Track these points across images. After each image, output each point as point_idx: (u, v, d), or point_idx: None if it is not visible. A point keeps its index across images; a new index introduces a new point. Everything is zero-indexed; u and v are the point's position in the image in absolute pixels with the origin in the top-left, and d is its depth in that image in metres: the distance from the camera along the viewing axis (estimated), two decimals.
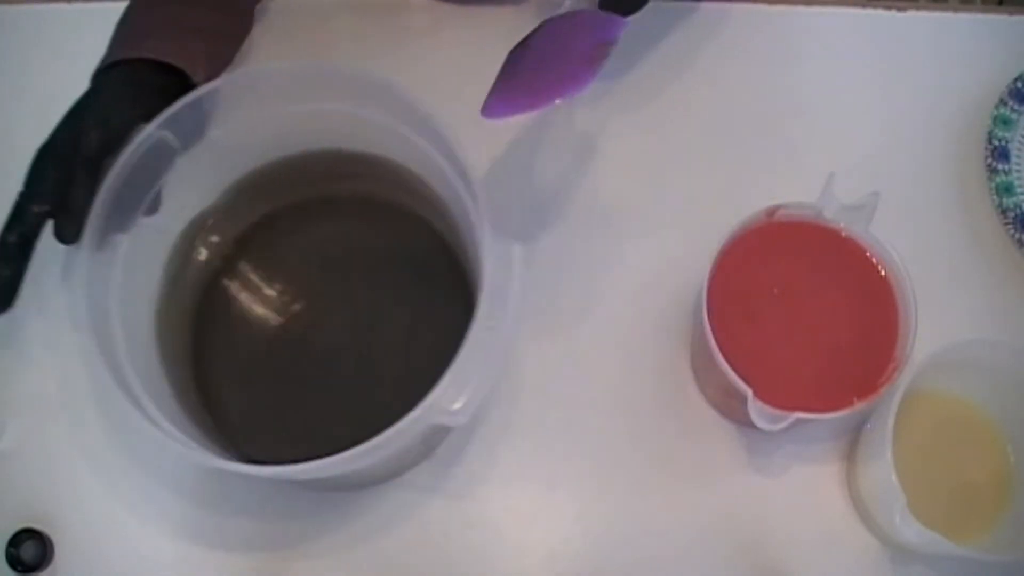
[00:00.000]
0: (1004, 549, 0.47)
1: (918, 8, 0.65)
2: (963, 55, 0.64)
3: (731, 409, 0.53)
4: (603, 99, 0.62)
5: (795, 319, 0.50)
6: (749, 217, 0.50)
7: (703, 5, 0.65)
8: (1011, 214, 0.58)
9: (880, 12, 0.65)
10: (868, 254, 0.51)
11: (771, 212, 0.50)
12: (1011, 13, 0.65)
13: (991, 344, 0.49)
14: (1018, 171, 0.60)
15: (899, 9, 0.65)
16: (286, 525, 0.51)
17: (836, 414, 0.46)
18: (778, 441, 0.53)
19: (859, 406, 0.47)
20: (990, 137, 0.60)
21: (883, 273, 0.50)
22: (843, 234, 0.51)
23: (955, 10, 0.66)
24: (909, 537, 0.46)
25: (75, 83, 0.61)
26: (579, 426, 0.54)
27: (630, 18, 0.49)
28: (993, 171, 0.59)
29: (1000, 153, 0.59)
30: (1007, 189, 0.59)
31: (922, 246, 0.58)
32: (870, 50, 0.64)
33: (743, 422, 0.53)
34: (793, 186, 0.59)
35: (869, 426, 0.51)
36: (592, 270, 0.58)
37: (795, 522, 0.52)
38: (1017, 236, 0.57)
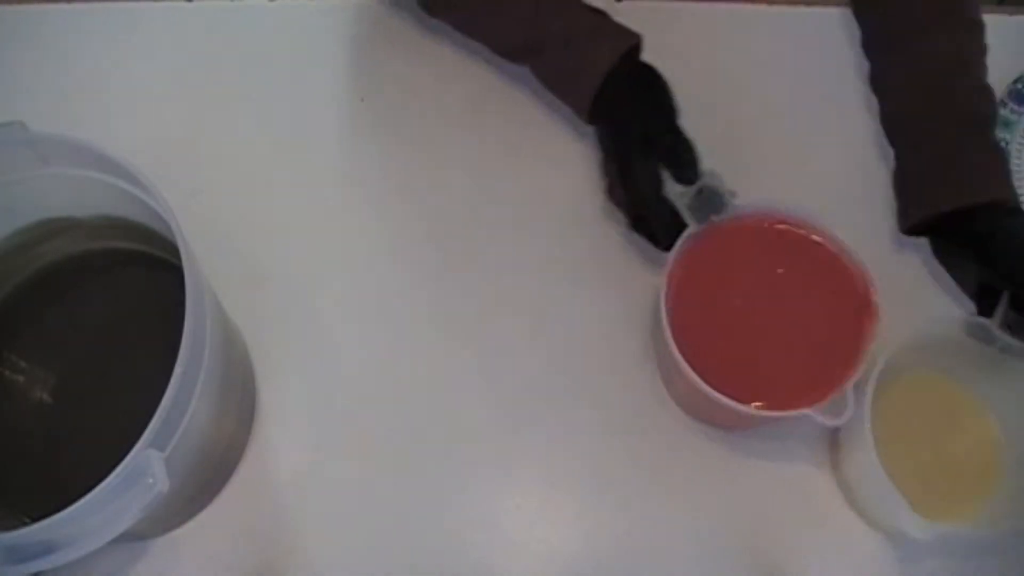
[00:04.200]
0: (997, 523, 0.48)
1: None
2: None
3: (699, 410, 0.54)
4: None
5: (759, 317, 0.50)
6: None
7: (703, 5, 0.65)
8: None
9: None
10: (832, 252, 0.51)
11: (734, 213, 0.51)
12: (1011, 13, 0.65)
13: (965, 323, 0.49)
14: (1018, 172, 0.60)
15: None
16: None
17: (799, 412, 0.47)
18: (762, 437, 0.54)
19: (825, 403, 0.47)
20: None
21: (848, 272, 0.50)
22: (810, 236, 0.51)
23: None
24: (917, 536, 0.46)
25: (75, 83, 0.62)
26: (578, 426, 0.54)
27: None
28: None
29: None
30: None
31: (922, 247, 0.58)
32: None
33: (713, 423, 0.54)
34: (793, 186, 0.60)
35: (848, 425, 0.51)
36: (585, 272, 0.58)
37: (787, 514, 0.53)
38: None
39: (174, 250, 0.41)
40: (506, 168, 0.60)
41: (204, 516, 0.51)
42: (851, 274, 0.50)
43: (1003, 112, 0.60)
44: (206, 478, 0.50)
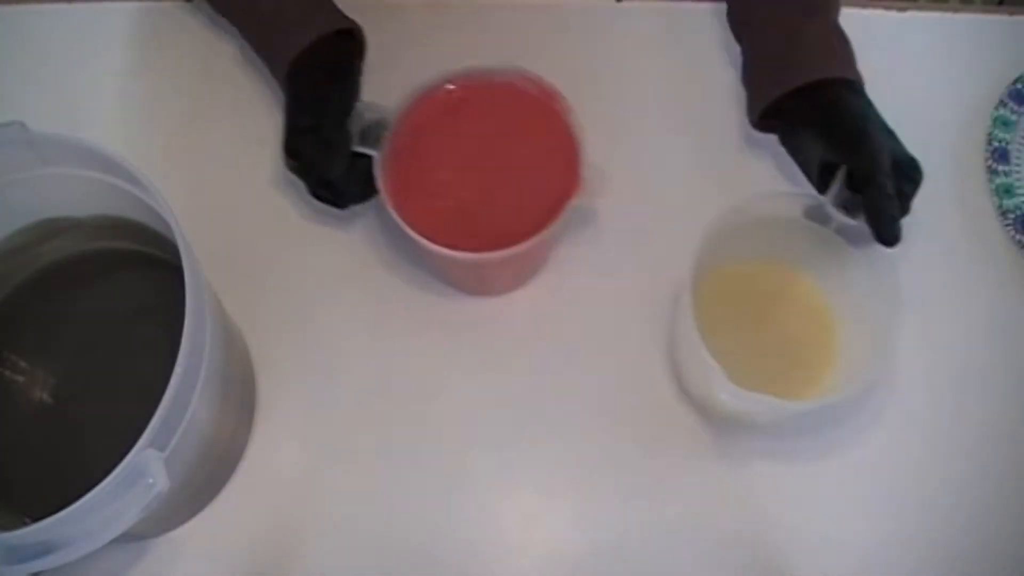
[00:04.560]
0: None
1: (918, 8, 0.65)
2: (963, 55, 0.64)
3: (457, 278, 0.56)
4: (604, 100, 0.62)
5: (484, 174, 0.52)
6: (409, 95, 0.53)
7: (703, 5, 0.65)
8: (1011, 215, 0.58)
9: (880, 12, 0.65)
10: (539, 99, 0.53)
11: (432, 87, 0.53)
12: (1011, 13, 0.65)
13: (802, 205, 0.50)
14: (1018, 172, 0.60)
15: (899, 9, 0.65)
16: None
17: (535, 239, 0.48)
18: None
19: (557, 224, 0.49)
20: (990, 138, 0.60)
21: (553, 108, 0.53)
22: (515, 84, 0.53)
23: (955, 10, 0.66)
24: (734, 405, 0.47)
25: (75, 83, 0.62)
26: (578, 428, 0.54)
27: None
28: (993, 172, 0.59)
29: (1000, 154, 0.59)
30: (1007, 190, 0.59)
31: (922, 247, 0.58)
32: (870, 50, 0.64)
33: (467, 289, 0.56)
34: (792, 185, 0.60)
35: (677, 310, 0.52)
36: (580, 274, 0.58)
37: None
38: (1017, 237, 0.58)
39: (174, 250, 0.41)
40: None
41: (204, 516, 0.51)
42: (547, 104, 0.53)
43: (1003, 112, 0.60)
44: (206, 478, 0.50)
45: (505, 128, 0.53)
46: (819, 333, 0.53)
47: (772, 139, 0.58)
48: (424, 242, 0.49)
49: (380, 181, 0.50)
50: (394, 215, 0.49)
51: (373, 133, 0.51)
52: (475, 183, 0.52)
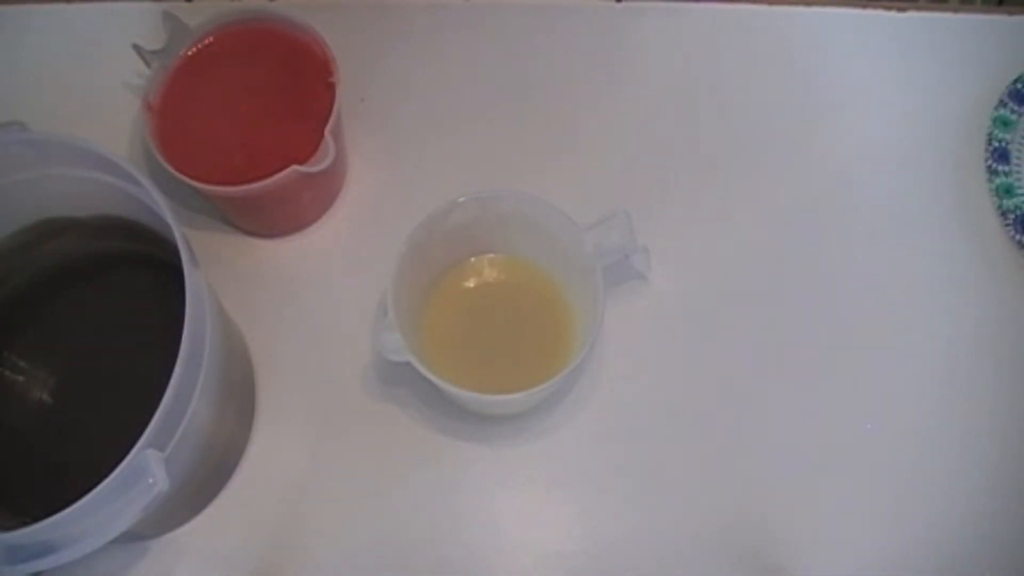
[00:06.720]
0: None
1: (918, 8, 0.65)
2: (963, 55, 0.64)
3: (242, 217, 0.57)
4: (604, 100, 0.62)
5: (245, 116, 0.54)
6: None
7: (703, 5, 0.65)
8: (1011, 216, 0.58)
9: (880, 12, 0.65)
10: (286, 33, 0.55)
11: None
12: (1011, 13, 0.65)
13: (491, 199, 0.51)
14: (1018, 172, 0.60)
15: (899, 9, 0.65)
16: None
17: (290, 169, 0.50)
18: None
19: (314, 158, 0.51)
20: (990, 138, 0.60)
21: (314, 51, 0.55)
22: (266, 28, 0.56)
23: (955, 10, 0.66)
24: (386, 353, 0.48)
25: (75, 83, 0.62)
26: (578, 426, 0.54)
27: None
28: (993, 172, 0.59)
29: (1000, 154, 0.59)
30: (1007, 191, 0.59)
31: (922, 247, 0.58)
32: (870, 50, 0.64)
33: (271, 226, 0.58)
34: (793, 186, 0.60)
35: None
36: None
37: None
38: (1017, 238, 0.58)
39: (174, 250, 0.41)
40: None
41: (204, 516, 0.51)
42: (307, 46, 0.55)
43: (1003, 112, 0.60)
44: (206, 478, 0.50)
45: (270, 72, 0.55)
46: (556, 316, 0.54)
47: (763, 145, 0.58)
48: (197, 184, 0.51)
49: (153, 141, 0.52)
50: (168, 167, 0.51)
51: None
52: (237, 129, 0.54)
